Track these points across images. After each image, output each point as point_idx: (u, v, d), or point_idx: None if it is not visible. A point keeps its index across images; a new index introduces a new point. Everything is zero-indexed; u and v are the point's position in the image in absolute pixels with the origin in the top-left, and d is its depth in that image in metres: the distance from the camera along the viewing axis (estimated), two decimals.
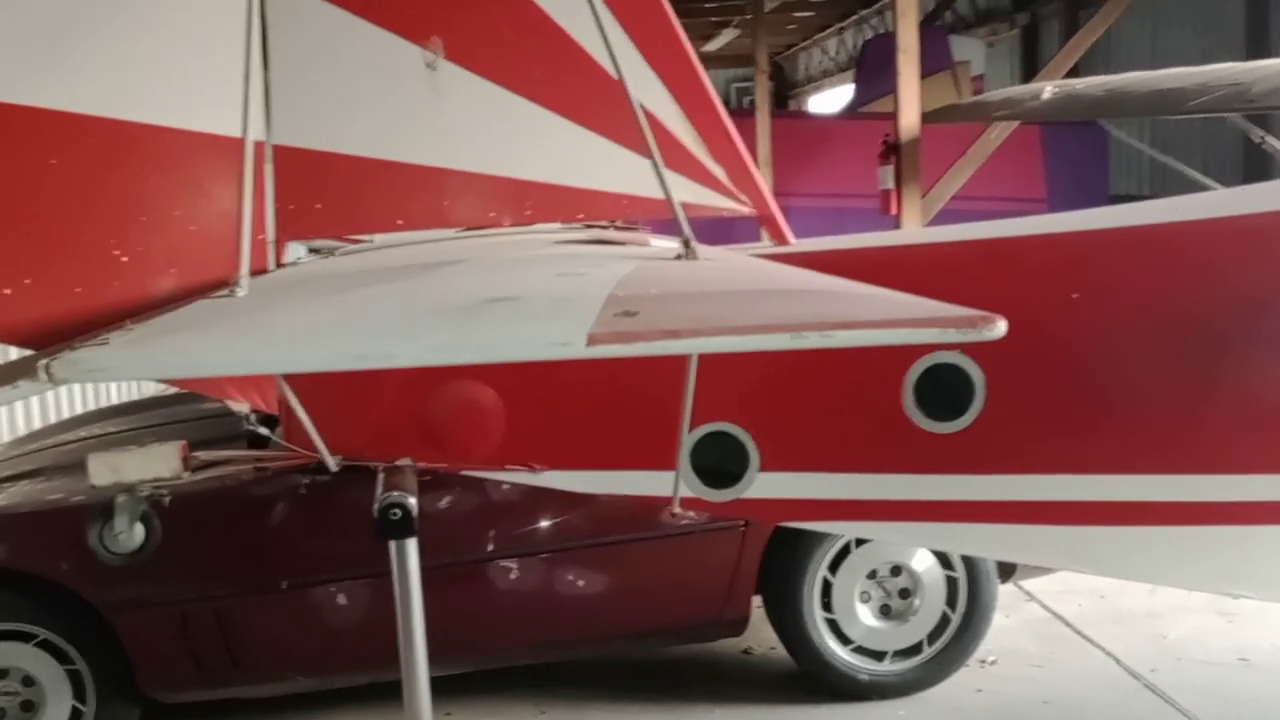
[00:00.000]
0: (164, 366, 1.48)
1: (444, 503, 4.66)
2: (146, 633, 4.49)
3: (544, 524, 4.73)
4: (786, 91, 29.29)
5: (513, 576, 4.72)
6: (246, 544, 4.60)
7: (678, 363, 2.55)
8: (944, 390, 2.74)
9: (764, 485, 2.75)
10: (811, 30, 27.36)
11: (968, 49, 15.42)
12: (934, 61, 13.18)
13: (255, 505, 4.64)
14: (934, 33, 14.83)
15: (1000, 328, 1.49)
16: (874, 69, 14.18)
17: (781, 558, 4.87)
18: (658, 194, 2.61)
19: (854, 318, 1.54)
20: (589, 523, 4.74)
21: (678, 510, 2.73)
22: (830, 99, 24.60)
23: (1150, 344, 2.75)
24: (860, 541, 4.85)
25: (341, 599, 4.60)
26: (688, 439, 2.67)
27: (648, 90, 2.71)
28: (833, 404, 2.78)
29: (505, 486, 4.68)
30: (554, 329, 1.44)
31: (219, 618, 4.52)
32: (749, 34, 15.82)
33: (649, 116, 2.66)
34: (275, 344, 1.48)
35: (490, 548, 4.70)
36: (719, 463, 2.78)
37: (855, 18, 23.69)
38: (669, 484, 2.71)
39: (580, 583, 4.76)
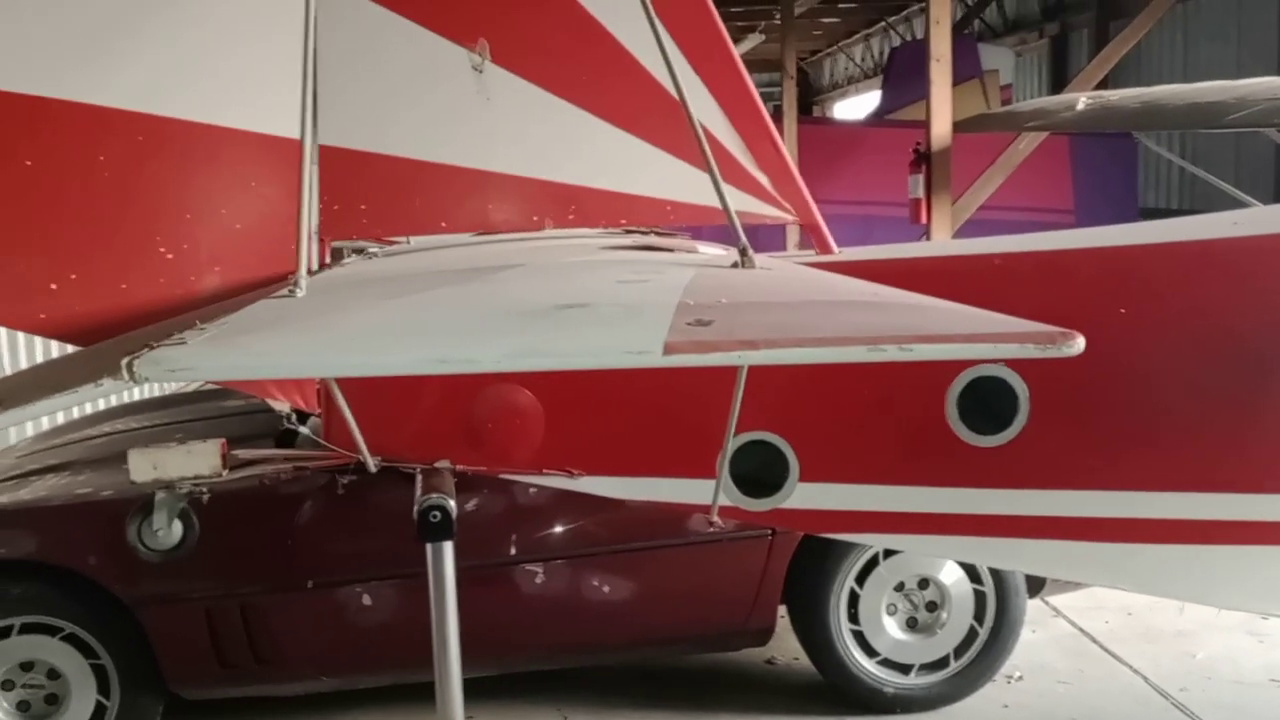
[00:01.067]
0: (246, 367, 1.47)
1: (471, 505, 4.64)
2: (172, 628, 4.47)
3: (570, 528, 4.71)
4: (811, 98, 29.26)
5: (538, 580, 4.69)
6: (274, 542, 4.59)
7: (721, 370, 2.53)
8: (987, 403, 2.72)
9: (803, 496, 2.73)
10: (838, 36, 27.35)
11: (996, 58, 15.36)
12: (963, 70, 13.13)
13: (283, 504, 4.63)
14: (963, 41, 14.79)
15: (1079, 344, 1.46)
16: (901, 76, 14.16)
17: (808, 567, 4.83)
18: (700, 200, 2.61)
19: (929, 331, 1.51)
20: (615, 528, 4.72)
21: (716, 519, 2.71)
22: (856, 105, 24.55)
23: (1199, 360, 2.72)
24: (888, 553, 4.81)
25: (367, 599, 4.58)
26: (730, 446, 2.65)
27: (695, 97, 2.69)
28: (875, 415, 2.76)
29: (532, 490, 4.68)
30: (629, 337, 1.42)
31: (245, 615, 4.51)
32: (776, 39, 15.79)
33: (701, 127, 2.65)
34: (354, 347, 1.47)
35: (516, 551, 4.68)
36: (758, 472, 2.76)
37: (882, 25, 23.66)
38: (708, 492, 2.69)
39: (606, 588, 4.74)
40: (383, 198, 2.62)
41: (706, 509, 2.71)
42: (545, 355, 1.40)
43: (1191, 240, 2.84)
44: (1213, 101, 6.01)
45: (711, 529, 4.65)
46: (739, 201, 2.70)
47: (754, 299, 1.88)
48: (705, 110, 2.70)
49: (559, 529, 4.68)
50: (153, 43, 2.47)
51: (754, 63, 25.08)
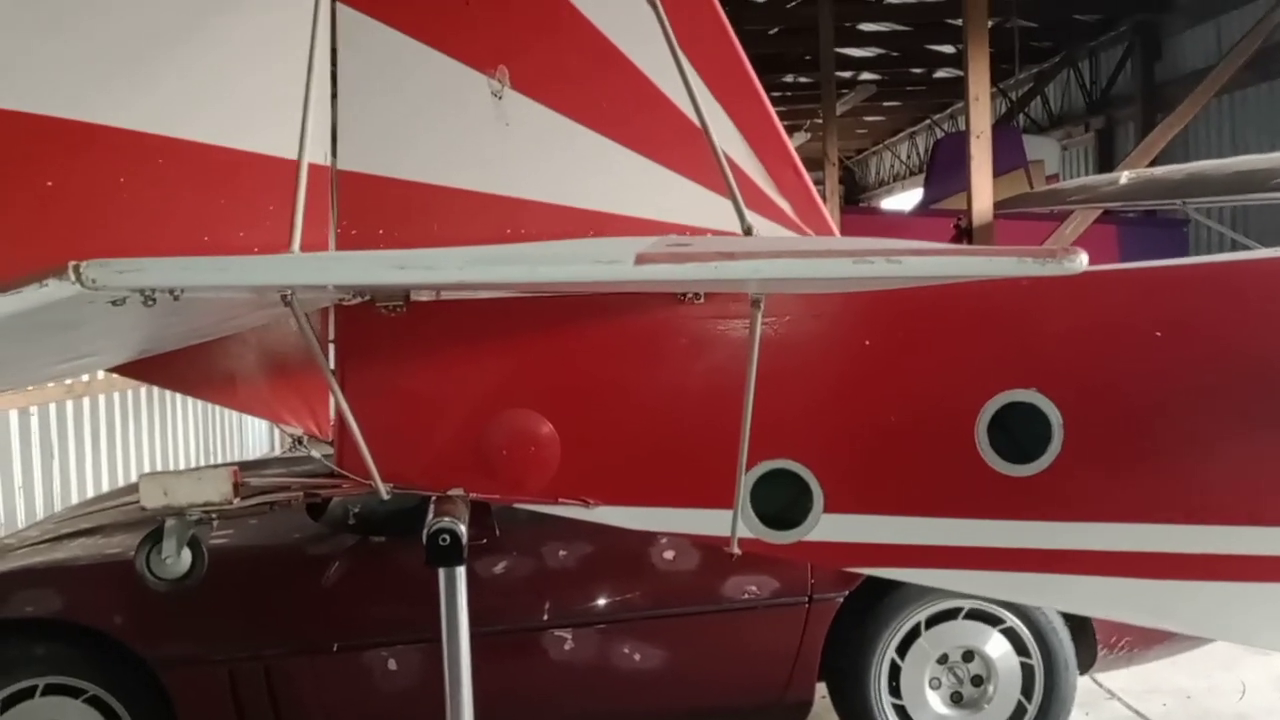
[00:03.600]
0: (197, 272, 1.43)
1: (499, 568, 4.57)
2: (195, 690, 4.41)
3: (600, 593, 4.60)
4: (857, 194, 29.47)
5: (567, 647, 4.58)
6: (299, 604, 4.53)
7: (741, 394, 2.47)
8: (1019, 431, 2.62)
9: (828, 528, 2.63)
10: (883, 135, 27.64)
11: (1042, 148, 15.40)
12: (1008, 160, 13.17)
13: (309, 565, 4.59)
14: (1008, 132, 14.87)
15: (1082, 260, 1.38)
16: (945, 168, 14.20)
17: (847, 637, 4.67)
18: (721, 225, 2.57)
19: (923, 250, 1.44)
20: (646, 594, 4.61)
21: (735, 551, 2.61)
22: (901, 200, 24.67)
23: (1248, 389, 2.61)
24: (931, 623, 4.66)
25: (393, 664, 4.49)
26: (746, 475, 2.57)
27: (716, 123, 2.68)
28: (902, 443, 2.67)
29: (561, 552, 4.59)
30: (601, 249, 1.37)
31: (269, 677, 4.43)
32: (819, 138, 15.98)
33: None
34: (316, 262, 1.43)
35: (545, 616, 4.57)
36: (781, 503, 2.66)
37: (926, 122, 23.88)
38: (727, 523, 2.59)
39: (636, 655, 4.60)
40: (400, 222, 2.61)
41: (726, 541, 2.62)
42: (508, 263, 1.35)
43: (1232, 263, 2.75)
44: (1259, 169, 5.93)
45: (741, 595, 4.56)
46: (762, 227, 2.66)
47: (748, 246, 1.83)
48: (726, 136, 2.67)
49: (587, 594, 4.57)
50: (173, 66, 2.50)
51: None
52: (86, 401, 8.83)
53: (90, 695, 4.39)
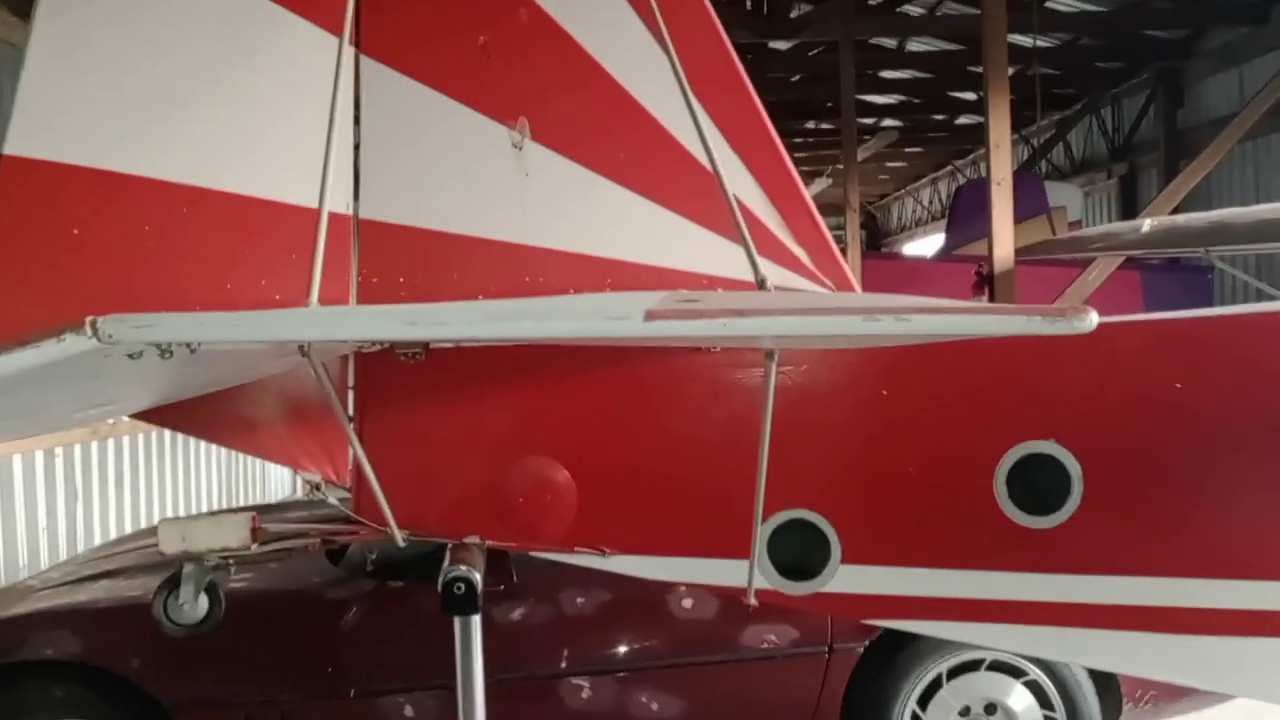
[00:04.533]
0: (212, 327, 1.45)
1: (516, 615, 4.55)
2: None
3: (618, 641, 4.58)
4: (879, 240, 29.49)
5: (584, 695, 4.55)
6: (316, 649, 4.53)
7: (758, 443, 2.46)
8: (1039, 482, 2.60)
9: (846, 579, 2.61)
10: (904, 180, 27.70)
11: (1064, 195, 15.38)
12: (1030, 206, 13.16)
13: (327, 609, 4.59)
14: (1030, 178, 14.87)
15: (1091, 319, 1.38)
16: (967, 214, 14.19)
17: (868, 688, 4.62)
18: (740, 275, 2.57)
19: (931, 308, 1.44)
20: (663, 642, 4.58)
21: (752, 602, 2.60)
22: (923, 246, 24.67)
23: (1272, 441, 2.58)
24: (953, 674, 4.61)
25: (409, 710, 4.48)
26: (763, 526, 2.56)
27: (731, 174, 2.70)
28: (919, 493, 2.65)
29: (580, 600, 4.57)
30: (612, 305, 1.38)
31: None
32: (841, 184, 16.05)
33: (737, 202, 2.65)
34: (329, 317, 1.45)
35: (562, 664, 4.55)
36: (799, 554, 2.65)
37: (949, 168, 23.92)
38: (744, 574, 2.58)
39: (654, 705, 4.57)
40: (421, 271, 2.63)
41: (743, 592, 2.60)
42: (519, 319, 1.35)
43: (1257, 314, 2.73)
44: None
45: (759, 645, 4.52)
46: (778, 277, 2.67)
47: (759, 302, 1.83)
48: (742, 186, 2.69)
49: (605, 641, 4.55)
50: (198, 116, 2.54)
51: (822, 206, 25.47)
52: (111, 444, 8.89)
53: None
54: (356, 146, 2.69)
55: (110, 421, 8.67)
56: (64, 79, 2.42)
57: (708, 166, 2.57)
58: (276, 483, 12.23)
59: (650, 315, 1.30)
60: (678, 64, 2.40)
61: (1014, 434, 2.59)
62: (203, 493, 10.44)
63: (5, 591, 5.72)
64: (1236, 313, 2.81)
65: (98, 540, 8.23)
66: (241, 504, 10.77)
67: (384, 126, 2.66)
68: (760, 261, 2.52)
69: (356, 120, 2.68)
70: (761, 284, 2.07)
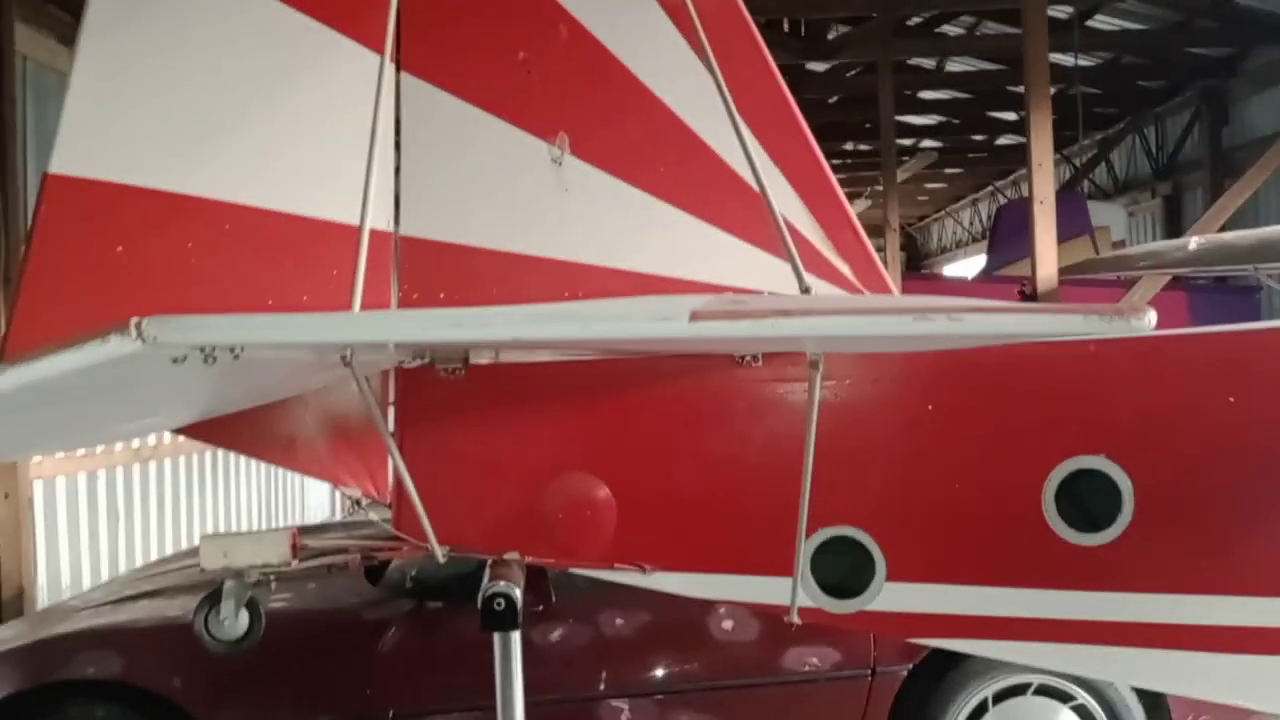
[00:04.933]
0: (255, 329, 1.44)
1: (556, 636, 4.52)
2: None
3: (658, 663, 4.53)
4: (919, 261, 29.33)
5: (624, 717, 4.50)
6: (354, 670, 4.52)
7: (800, 459, 2.43)
8: (1088, 498, 2.54)
9: (891, 597, 2.56)
10: (944, 201, 27.55)
11: (1108, 214, 15.22)
12: (1072, 226, 13.01)
13: (366, 630, 4.58)
14: (1072, 197, 14.73)
15: (1150, 319, 1.34)
16: (1008, 234, 14.08)
17: (911, 714, 4.55)
18: (780, 289, 2.55)
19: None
20: (704, 664, 4.53)
21: (795, 620, 2.55)
22: (963, 267, 24.49)
23: None
24: (999, 699, 4.52)
25: None
26: (806, 542, 2.52)
27: (773, 186, 2.68)
28: (966, 510, 2.60)
29: (619, 621, 4.53)
30: (657, 307, 1.36)
31: None
32: (880, 205, 15.99)
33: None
34: (373, 320, 1.44)
35: (602, 685, 4.51)
36: (843, 571, 2.60)
37: (989, 189, 23.77)
38: (787, 591, 2.54)
39: None
40: (461, 287, 2.63)
41: (785, 610, 2.56)
42: (564, 319, 1.34)
43: None
44: None
45: (801, 669, 4.46)
46: (821, 290, 2.63)
47: (806, 304, 1.80)
48: (784, 199, 2.67)
49: (644, 663, 4.51)
50: (240, 134, 2.55)
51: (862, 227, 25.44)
52: (153, 466, 8.97)
53: None
54: (397, 167, 2.70)
55: (152, 444, 8.75)
56: (108, 99, 2.44)
57: (749, 180, 2.55)
58: (316, 504, 12.29)
59: (695, 316, 1.28)
60: (720, 78, 2.39)
61: (1063, 448, 2.54)
62: (242, 514, 10.51)
63: (48, 612, 5.76)
64: None
65: (139, 561, 8.29)
66: (280, 525, 10.83)
67: (424, 143, 2.67)
68: (806, 278, 2.49)
69: (398, 137, 2.69)
70: (806, 292, 2.04)
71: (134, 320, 1.35)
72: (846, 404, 2.57)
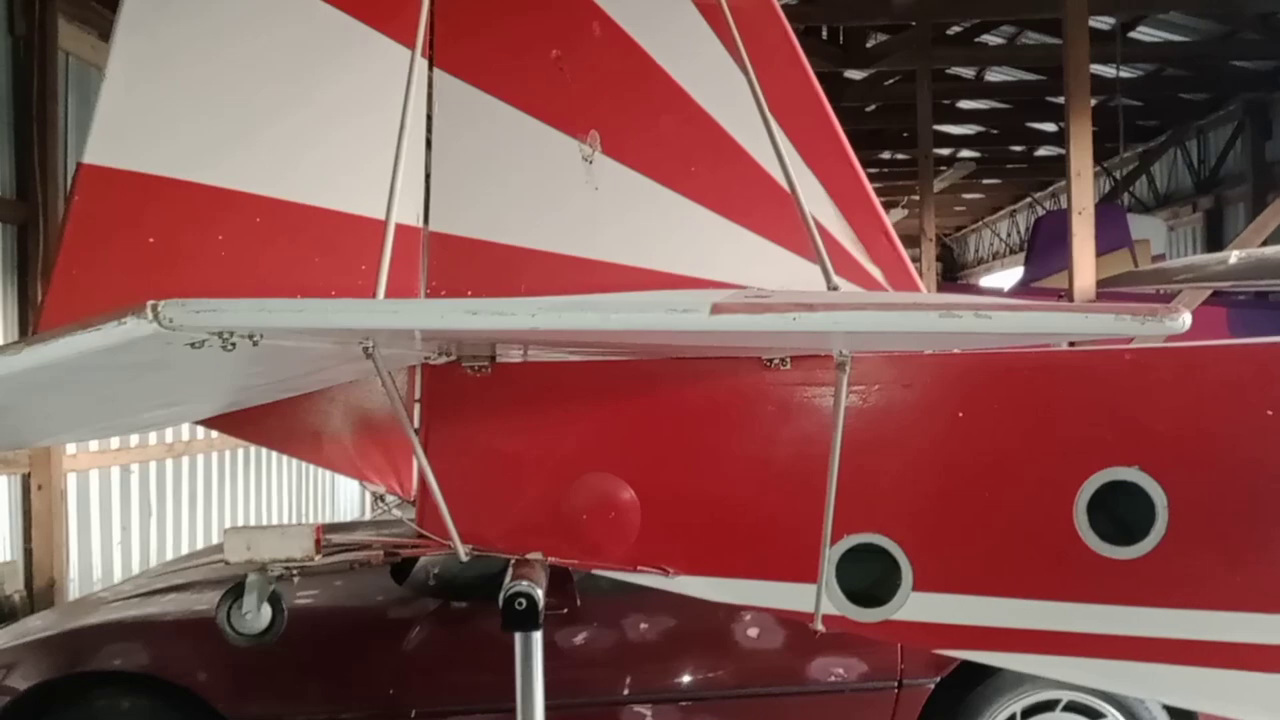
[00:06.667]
0: (272, 314, 1.43)
1: (580, 639, 4.50)
2: None
3: (682, 669, 4.50)
4: (956, 272, 29.14)
5: None
6: (378, 667, 4.52)
7: (826, 466, 2.40)
8: (1121, 511, 2.49)
9: (917, 607, 2.52)
10: (982, 212, 27.36)
11: (1147, 228, 15.03)
12: (1112, 239, 12.88)
13: (391, 628, 4.58)
14: (1112, 210, 14.56)
15: (1185, 319, 1.30)
16: (1046, 246, 13.94)
17: None
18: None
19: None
20: (728, 671, 4.50)
21: (820, 628, 2.52)
22: (1000, 279, 24.29)
23: None
24: (1027, 715, 4.46)
25: None
26: (832, 549, 2.48)
27: (806, 189, 2.65)
28: (995, 520, 2.56)
29: (644, 625, 4.51)
30: (678, 299, 1.33)
31: None
32: (917, 214, 15.90)
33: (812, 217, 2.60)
34: (390, 306, 1.43)
35: (625, 690, 4.48)
36: (869, 579, 2.57)
37: (1027, 200, 23.58)
38: (811, 598, 2.51)
39: None
40: (489, 283, 2.62)
41: (810, 617, 2.53)
42: (583, 310, 1.32)
43: None
44: None
45: (827, 679, 4.42)
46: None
47: (831, 299, 1.77)
48: (817, 203, 2.64)
49: (668, 668, 4.48)
50: (273, 127, 2.56)
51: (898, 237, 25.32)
52: (185, 461, 9.04)
53: None
54: (428, 163, 2.69)
55: (185, 439, 8.82)
56: (142, 91, 2.45)
57: (782, 183, 2.53)
58: (346, 501, 12.35)
59: (716, 308, 1.25)
60: (754, 79, 2.36)
61: (1097, 460, 2.49)
62: (273, 510, 10.57)
63: (78, 603, 5.80)
64: None
65: (170, 555, 8.35)
66: (311, 521, 10.89)
67: (455, 139, 2.66)
68: (836, 282, 2.47)
69: (430, 134, 2.68)
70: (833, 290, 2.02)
71: (150, 302, 1.35)
72: (876, 409, 2.54)
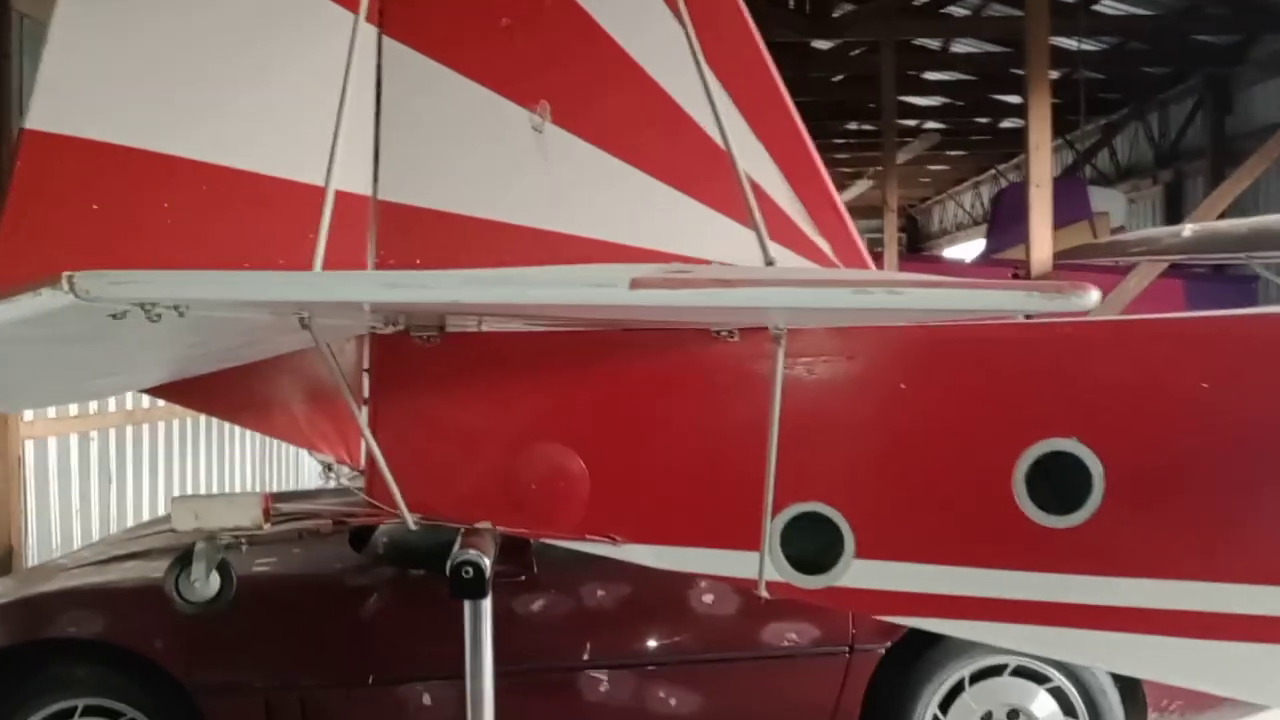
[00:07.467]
0: (187, 286, 1.43)
1: (536, 606, 4.54)
2: (231, 717, 4.42)
3: (638, 635, 4.55)
4: (921, 243, 29.29)
5: (602, 688, 4.52)
6: (336, 635, 4.53)
7: (776, 437, 2.43)
8: (1059, 481, 2.55)
9: (859, 574, 2.57)
10: (946, 184, 27.49)
11: (1108, 200, 15.18)
12: (1072, 211, 12.99)
13: (348, 596, 4.59)
14: (1073, 183, 14.69)
15: (1092, 297, 1.33)
16: (1008, 218, 14.04)
17: (888, 691, 4.57)
18: (759, 263, 2.54)
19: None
20: (684, 638, 4.55)
21: (764, 594, 2.56)
22: (964, 250, 24.44)
23: None
24: (975, 679, 4.54)
25: (428, 699, 4.47)
26: (774, 519, 2.52)
27: (755, 162, 2.67)
28: (936, 490, 2.61)
29: (600, 593, 4.55)
30: (598, 274, 1.35)
31: (304, 707, 4.43)
32: (881, 185, 15.95)
33: (756, 188, 2.62)
34: (307, 279, 1.44)
35: (581, 656, 4.53)
36: (814, 547, 2.61)
37: (991, 172, 23.70)
38: (756, 566, 2.55)
39: (671, 701, 4.53)
40: (438, 253, 2.63)
41: (754, 584, 2.57)
42: (503, 284, 1.33)
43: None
44: None
45: (780, 644, 4.48)
46: (799, 267, 2.63)
47: (751, 275, 1.80)
48: (767, 176, 2.67)
49: (624, 635, 4.52)
50: (222, 95, 2.54)
51: (862, 208, 25.39)
52: (146, 428, 8.98)
53: (128, 718, 4.42)
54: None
55: (145, 406, 8.76)
56: (86, 56, 2.43)
57: (724, 148, 2.54)
58: (310, 468, 12.31)
59: (635, 284, 1.27)
60: (695, 43, 2.37)
61: (1036, 431, 2.54)
62: (235, 478, 10.53)
63: (35, 570, 5.78)
64: (1265, 313, 2.74)
65: (130, 522, 8.31)
66: (275, 490, 10.86)
67: (404, 108, 2.66)
68: (779, 250, 2.49)
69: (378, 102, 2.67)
70: (770, 265, 2.04)
71: (66, 274, 1.34)
72: (819, 382, 2.57)
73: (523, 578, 4.48)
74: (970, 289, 1.46)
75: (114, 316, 1.42)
